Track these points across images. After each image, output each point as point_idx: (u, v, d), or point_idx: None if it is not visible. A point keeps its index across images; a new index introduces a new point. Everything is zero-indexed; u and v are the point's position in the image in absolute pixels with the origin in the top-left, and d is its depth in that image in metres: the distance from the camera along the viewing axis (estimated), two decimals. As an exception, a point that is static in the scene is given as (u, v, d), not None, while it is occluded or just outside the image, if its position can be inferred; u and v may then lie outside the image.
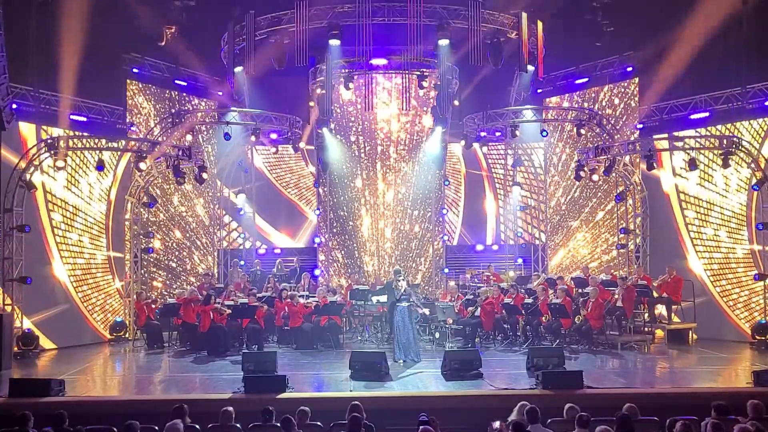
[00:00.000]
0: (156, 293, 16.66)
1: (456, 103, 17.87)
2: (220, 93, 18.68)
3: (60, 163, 13.88)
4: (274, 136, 17.95)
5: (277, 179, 19.75)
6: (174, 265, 17.82)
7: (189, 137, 16.72)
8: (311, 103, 17.86)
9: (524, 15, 15.69)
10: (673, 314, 14.85)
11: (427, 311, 14.05)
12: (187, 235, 18.18)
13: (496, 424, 7.46)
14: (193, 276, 18.04)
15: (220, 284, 17.02)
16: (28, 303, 13.96)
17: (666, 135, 15.68)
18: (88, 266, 15.64)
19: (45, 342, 14.46)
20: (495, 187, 19.85)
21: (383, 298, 13.92)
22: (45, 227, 14.77)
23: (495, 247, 19.54)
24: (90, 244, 15.69)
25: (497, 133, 18.12)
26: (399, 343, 12.09)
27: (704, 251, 15.50)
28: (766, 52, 14.17)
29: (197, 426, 7.46)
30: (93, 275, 15.73)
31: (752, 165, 14.06)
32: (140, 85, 17.05)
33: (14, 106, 14.08)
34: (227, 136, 16.95)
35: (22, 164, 13.78)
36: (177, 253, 17.91)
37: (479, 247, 19.58)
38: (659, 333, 14.50)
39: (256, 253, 19.17)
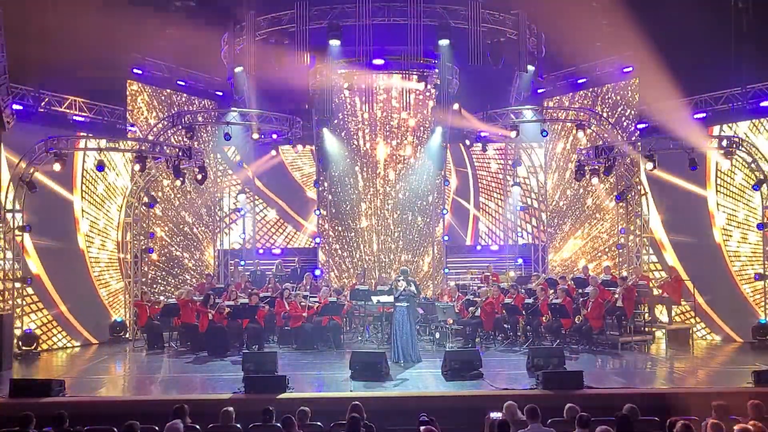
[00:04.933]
0: (155, 292, 16.69)
1: (456, 106, 17.87)
2: (220, 93, 18.70)
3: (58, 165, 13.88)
4: (274, 136, 17.95)
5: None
6: (172, 262, 17.85)
7: (189, 135, 16.72)
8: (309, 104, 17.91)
9: (524, 15, 15.71)
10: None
11: (421, 311, 14.08)
12: (187, 234, 18.19)
13: (496, 415, 7.47)
14: (192, 276, 18.07)
15: (220, 284, 17.03)
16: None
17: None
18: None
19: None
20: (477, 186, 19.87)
21: (384, 299, 13.91)
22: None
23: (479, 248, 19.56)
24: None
25: (483, 133, 18.06)
26: (395, 345, 12.05)
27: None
28: (766, 52, 14.16)
29: (197, 426, 7.46)
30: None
31: (752, 165, 14.11)
32: (140, 85, 17.06)
33: (15, 106, 14.10)
34: (227, 137, 16.97)
35: (23, 164, 13.79)
36: (176, 253, 17.92)
37: (494, 248, 19.57)
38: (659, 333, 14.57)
39: (257, 253, 19.17)
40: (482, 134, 17.96)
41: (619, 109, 17.34)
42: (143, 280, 16.01)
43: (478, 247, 19.60)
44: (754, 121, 14.66)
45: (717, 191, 15.27)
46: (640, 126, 16.73)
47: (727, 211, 15.14)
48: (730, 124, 15.02)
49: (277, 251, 19.26)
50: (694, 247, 15.47)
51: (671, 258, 15.79)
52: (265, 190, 19.46)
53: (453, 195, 19.61)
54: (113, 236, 16.13)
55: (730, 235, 15.05)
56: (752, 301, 14.64)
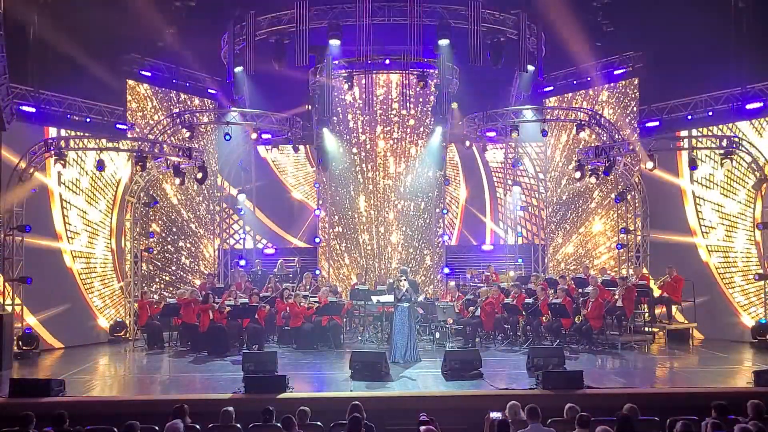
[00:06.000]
0: (156, 294, 16.67)
1: (455, 106, 17.87)
2: (220, 93, 18.69)
3: (59, 166, 13.87)
4: (267, 136, 17.94)
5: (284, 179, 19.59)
6: (173, 266, 17.84)
7: (188, 134, 16.72)
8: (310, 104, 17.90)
9: (524, 15, 15.72)
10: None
11: (421, 311, 14.08)
12: (188, 234, 18.19)
13: (496, 415, 7.49)
14: (189, 273, 18.08)
15: (220, 284, 17.03)
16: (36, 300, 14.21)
17: (666, 135, 15.71)
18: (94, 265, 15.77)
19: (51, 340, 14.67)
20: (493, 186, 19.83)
21: (384, 298, 13.91)
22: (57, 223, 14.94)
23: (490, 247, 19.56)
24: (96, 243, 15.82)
25: (490, 133, 18.03)
26: (395, 344, 12.06)
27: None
28: (766, 52, 14.17)
29: (197, 426, 7.47)
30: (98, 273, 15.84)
31: (752, 165, 14.11)
32: (140, 86, 17.05)
33: (15, 106, 14.09)
34: (227, 137, 16.96)
35: (23, 164, 13.79)
36: (177, 252, 17.92)
37: (487, 247, 19.54)
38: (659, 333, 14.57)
39: (257, 253, 19.15)
40: (488, 134, 17.92)
41: (619, 109, 17.34)
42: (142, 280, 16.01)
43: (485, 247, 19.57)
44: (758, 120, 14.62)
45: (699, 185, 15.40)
46: (640, 125, 16.72)
47: (713, 214, 15.24)
48: (730, 124, 15.02)
49: (271, 251, 19.17)
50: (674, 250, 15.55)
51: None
52: (257, 212, 19.28)
53: (464, 203, 19.50)
54: (104, 237, 16.00)
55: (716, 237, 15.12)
56: (735, 302, 14.71)
